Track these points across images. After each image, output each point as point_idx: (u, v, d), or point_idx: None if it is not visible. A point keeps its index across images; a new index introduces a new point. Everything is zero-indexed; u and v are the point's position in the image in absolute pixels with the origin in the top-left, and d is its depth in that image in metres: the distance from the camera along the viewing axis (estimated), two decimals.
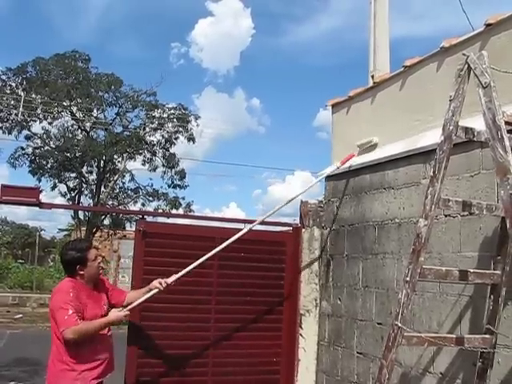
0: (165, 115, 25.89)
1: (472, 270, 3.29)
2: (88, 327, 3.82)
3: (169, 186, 26.38)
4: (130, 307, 4.16)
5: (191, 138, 25.91)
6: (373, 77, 5.87)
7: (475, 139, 3.21)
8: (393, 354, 3.12)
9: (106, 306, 4.13)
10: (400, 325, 3.08)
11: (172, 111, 25.97)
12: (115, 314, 4.03)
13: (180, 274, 4.44)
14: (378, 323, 4.66)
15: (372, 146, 5.10)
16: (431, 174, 3.11)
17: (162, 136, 25.95)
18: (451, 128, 3.05)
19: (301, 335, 5.54)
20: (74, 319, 3.73)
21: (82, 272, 3.99)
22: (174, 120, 25.96)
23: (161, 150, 26.13)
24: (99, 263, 4.17)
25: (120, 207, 25.53)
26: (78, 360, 3.82)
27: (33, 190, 5.07)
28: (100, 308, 4.05)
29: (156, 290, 4.26)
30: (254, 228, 5.55)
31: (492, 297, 3.33)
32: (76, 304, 3.81)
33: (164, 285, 4.27)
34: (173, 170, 26.13)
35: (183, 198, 26.63)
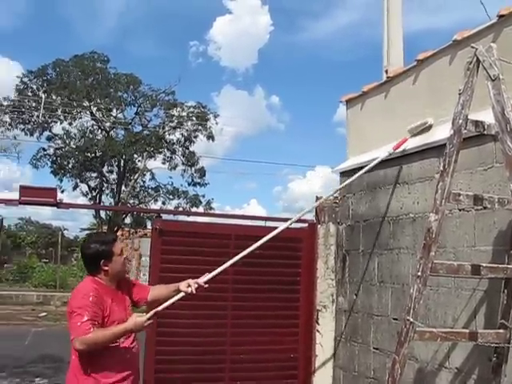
0: (184, 114, 26.02)
1: (484, 265, 3.26)
2: (99, 337, 3.26)
3: (189, 184, 26.54)
4: (152, 313, 3.46)
5: (210, 136, 26.01)
6: (387, 71, 5.84)
7: (485, 132, 3.19)
8: (405, 349, 3.12)
9: (130, 307, 3.63)
10: (412, 320, 3.07)
11: (191, 109, 26.08)
12: (134, 320, 3.36)
13: (213, 273, 3.91)
14: (394, 318, 4.65)
15: (426, 128, 4.55)
16: (441, 168, 3.10)
17: (182, 134, 26.09)
18: (461, 122, 3.04)
19: (318, 331, 5.55)
20: (87, 327, 3.21)
21: (106, 268, 3.47)
22: (193, 118, 26.07)
23: (180, 149, 26.29)
24: (125, 259, 3.68)
25: (141, 206, 25.74)
26: (105, 372, 3.34)
27: (51, 190, 5.13)
28: (125, 310, 3.54)
29: (182, 294, 3.68)
30: (270, 224, 5.60)
31: (506, 291, 3.30)
32: (94, 310, 3.29)
33: (195, 286, 3.65)
34: (193, 168, 26.29)
35: (203, 196, 26.77)
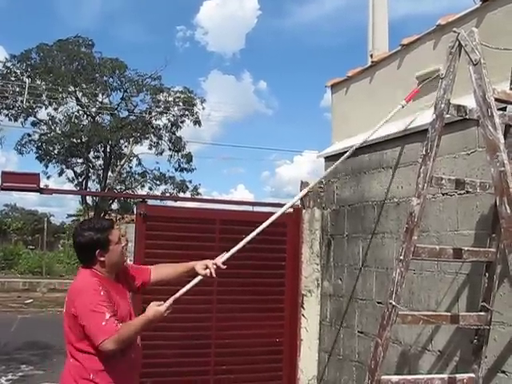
0: (170, 99, 25.91)
1: (466, 248, 3.29)
2: (131, 331, 2.97)
3: (176, 170, 26.55)
4: (170, 300, 3.18)
5: (197, 121, 25.98)
6: (371, 56, 5.84)
7: (468, 117, 3.20)
8: (388, 333, 3.14)
9: (130, 300, 3.30)
10: (394, 303, 3.09)
11: (178, 95, 25.97)
12: (154, 309, 3.05)
13: (230, 252, 3.52)
14: (378, 302, 4.68)
15: (437, 78, 4.04)
16: (424, 152, 3.11)
17: (168, 120, 26.02)
18: (443, 106, 3.04)
19: (303, 315, 5.57)
20: (114, 324, 2.89)
21: (102, 258, 3.08)
22: (180, 103, 25.97)
23: (167, 134, 26.24)
24: (123, 247, 3.22)
25: (127, 191, 25.69)
26: (111, 377, 2.99)
27: (33, 175, 5.05)
28: (128, 304, 3.23)
29: (200, 278, 3.34)
30: (255, 209, 5.62)
31: (487, 274, 3.33)
32: (110, 305, 2.97)
33: (213, 268, 3.30)
34: (179, 154, 26.27)
35: (190, 181, 26.79)
